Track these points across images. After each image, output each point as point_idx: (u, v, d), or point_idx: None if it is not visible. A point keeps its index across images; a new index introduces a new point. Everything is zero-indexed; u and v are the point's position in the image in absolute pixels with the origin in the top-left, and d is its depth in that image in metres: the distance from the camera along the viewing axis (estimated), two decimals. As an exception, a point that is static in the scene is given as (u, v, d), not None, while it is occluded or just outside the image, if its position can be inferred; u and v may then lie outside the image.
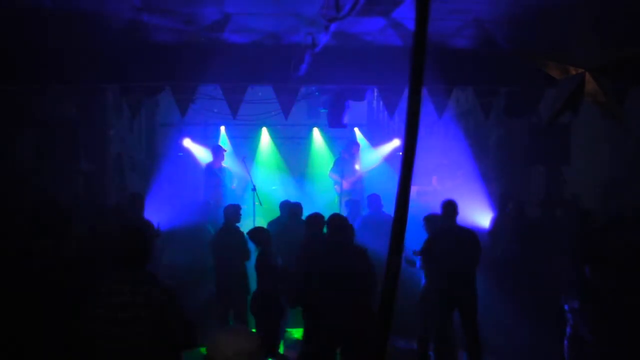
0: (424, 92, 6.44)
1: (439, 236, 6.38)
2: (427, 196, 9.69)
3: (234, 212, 7.21)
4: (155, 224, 7.02)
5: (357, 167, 10.98)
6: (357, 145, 11.22)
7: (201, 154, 11.77)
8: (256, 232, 6.41)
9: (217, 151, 10.51)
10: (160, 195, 9.12)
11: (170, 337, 3.43)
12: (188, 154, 11.89)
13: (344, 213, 8.13)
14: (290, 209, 7.85)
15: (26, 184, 7.03)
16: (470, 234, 6.48)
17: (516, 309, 6.68)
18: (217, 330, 3.13)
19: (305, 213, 7.53)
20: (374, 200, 8.36)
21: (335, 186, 10.82)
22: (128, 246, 3.55)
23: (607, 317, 5.38)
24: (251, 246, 6.61)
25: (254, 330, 5.79)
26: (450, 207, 6.45)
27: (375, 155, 11.81)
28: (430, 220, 6.67)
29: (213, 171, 10.33)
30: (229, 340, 2.90)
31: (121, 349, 3.35)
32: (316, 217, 6.30)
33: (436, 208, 6.60)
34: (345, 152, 11.03)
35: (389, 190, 10.32)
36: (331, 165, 11.14)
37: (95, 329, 3.37)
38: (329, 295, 5.09)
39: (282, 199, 8.56)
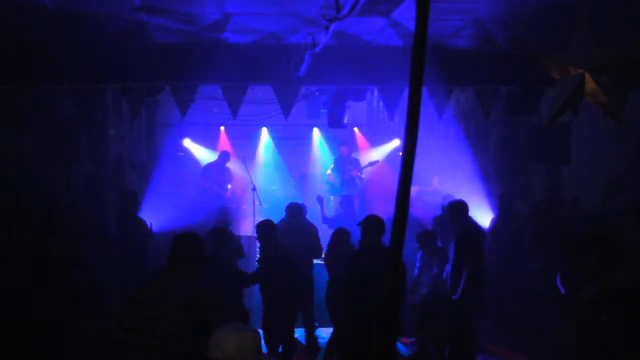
0: (424, 92, 6.42)
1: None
2: (427, 196, 9.69)
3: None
4: (148, 223, 7.03)
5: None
6: (345, 146, 11.26)
7: (201, 154, 11.78)
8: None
9: (224, 157, 10.68)
10: (160, 195, 9.11)
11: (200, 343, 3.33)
12: (188, 154, 11.89)
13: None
14: (293, 210, 7.76)
15: (26, 183, 7.03)
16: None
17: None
18: (216, 328, 3.12)
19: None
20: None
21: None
22: (178, 249, 3.55)
23: None
24: None
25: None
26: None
27: (375, 155, 11.81)
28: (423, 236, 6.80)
29: (212, 171, 10.41)
30: (229, 336, 2.91)
31: (152, 347, 3.34)
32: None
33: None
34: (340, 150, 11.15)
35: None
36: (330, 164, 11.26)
37: (129, 327, 3.38)
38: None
39: (282, 198, 8.54)
